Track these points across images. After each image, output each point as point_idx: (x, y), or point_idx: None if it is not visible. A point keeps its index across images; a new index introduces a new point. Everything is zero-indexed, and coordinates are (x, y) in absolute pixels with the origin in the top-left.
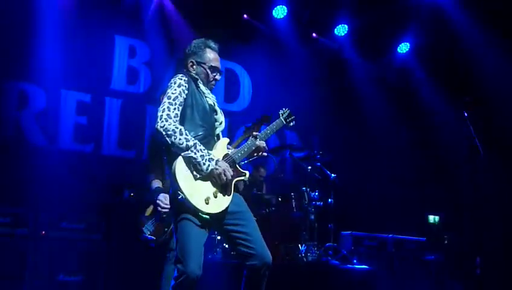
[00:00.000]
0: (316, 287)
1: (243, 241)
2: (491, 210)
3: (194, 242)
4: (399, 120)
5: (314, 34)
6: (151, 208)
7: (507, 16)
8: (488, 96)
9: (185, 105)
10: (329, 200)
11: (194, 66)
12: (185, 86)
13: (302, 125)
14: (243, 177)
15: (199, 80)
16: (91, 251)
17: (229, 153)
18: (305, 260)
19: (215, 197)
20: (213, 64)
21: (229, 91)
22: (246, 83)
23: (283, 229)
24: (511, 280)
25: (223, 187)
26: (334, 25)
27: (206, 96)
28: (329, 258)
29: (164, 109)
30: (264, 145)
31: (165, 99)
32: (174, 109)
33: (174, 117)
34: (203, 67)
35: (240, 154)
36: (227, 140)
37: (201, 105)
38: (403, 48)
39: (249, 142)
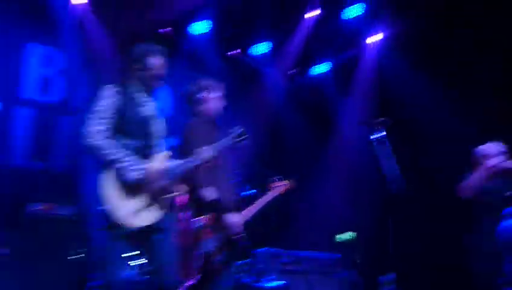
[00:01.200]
0: None
1: (155, 258)
2: (405, 229)
3: (119, 253)
4: (314, 136)
5: (233, 51)
6: None
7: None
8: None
9: (118, 117)
10: None
11: (141, 68)
12: (114, 98)
13: None
14: (174, 194)
15: (136, 88)
16: None
17: (168, 166)
18: None
19: (143, 211)
20: (157, 64)
21: None
22: (162, 95)
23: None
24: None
25: (152, 201)
26: (254, 42)
27: (143, 106)
28: (243, 275)
29: (89, 124)
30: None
31: (93, 114)
32: (100, 123)
33: (103, 131)
34: (150, 67)
35: (177, 171)
36: (167, 153)
37: (136, 115)
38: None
39: (191, 158)
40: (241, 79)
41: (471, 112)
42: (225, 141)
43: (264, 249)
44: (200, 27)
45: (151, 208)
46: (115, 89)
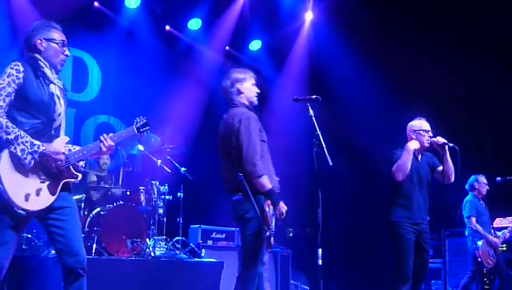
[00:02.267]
0: (165, 282)
1: (57, 237)
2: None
3: (5, 236)
4: None
5: (167, 27)
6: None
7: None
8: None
9: (18, 95)
10: (179, 194)
11: (44, 44)
12: (17, 75)
13: (154, 117)
14: (73, 180)
15: (43, 64)
16: None
17: (66, 152)
18: (152, 254)
19: (37, 195)
20: (62, 39)
21: (76, 80)
22: (94, 72)
23: (130, 224)
24: (346, 268)
25: (48, 185)
26: (187, 19)
27: (48, 84)
28: (177, 252)
29: None
30: (112, 147)
31: None
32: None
33: (1, 108)
34: (53, 43)
35: (76, 156)
36: (66, 139)
37: (38, 95)
38: (255, 45)
39: (91, 145)
40: (177, 55)
41: (399, 91)
42: (128, 131)
43: (197, 226)
44: (133, 2)
45: (45, 192)
46: (18, 67)
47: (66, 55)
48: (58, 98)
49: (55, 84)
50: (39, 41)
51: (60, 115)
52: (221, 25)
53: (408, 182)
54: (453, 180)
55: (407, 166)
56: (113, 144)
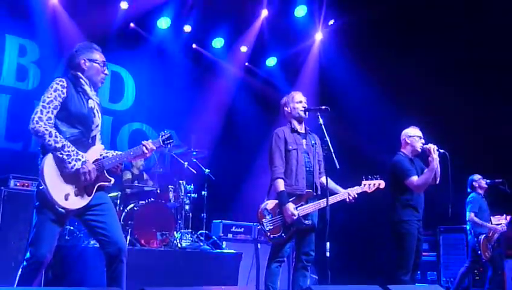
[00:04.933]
0: (190, 270)
1: (99, 230)
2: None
3: (47, 230)
4: (265, 123)
5: (194, 45)
6: (273, 203)
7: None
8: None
9: (62, 108)
10: (203, 192)
11: (87, 64)
12: (62, 90)
13: (181, 125)
14: (107, 183)
15: (83, 82)
16: None
17: (101, 158)
18: (179, 245)
19: (76, 195)
20: (102, 60)
21: (114, 92)
22: (130, 85)
23: (160, 218)
24: (350, 260)
25: (85, 188)
26: (212, 38)
27: (87, 99)
28: (201, 243)
29: (37, 111)
30: (153, 150)
31: (40, 103)
32: (48, 112)
33: (46, 120)
34: (95, 63)
35: (110, 161)
36: (102, 147)
37: (78, 108)
38: (271, 61)
39: (131, 151)
40: (202, 70)
41: (397, 103)
42: (155, 142)
43: (219, 221)
44: (164, 23)
45: (83, 193)
46: (63, 82)
47: (106, 74)
48: (97, 112)
49: (93, 100)
50: (83, 61)
51: (97, 126)
52: (241, 43)
53: None
54: (438, 181)
55: (429, 183)
56: (155, 147)
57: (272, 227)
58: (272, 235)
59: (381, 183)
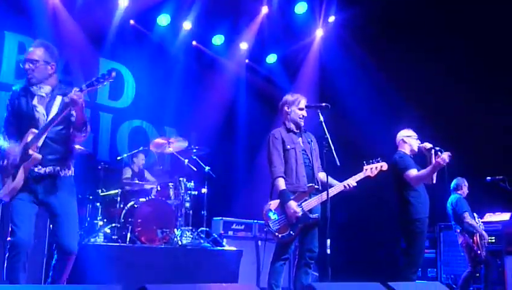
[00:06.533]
0: (190, 267)
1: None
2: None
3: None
4: (265, 120)
5: (194, 42)
6: (277, 203)
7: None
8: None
9: (13, 111)
10: (204, 189)
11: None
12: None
13: (181, 122)
14: (30, 161)
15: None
16: None
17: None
18: (180, 243)
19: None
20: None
21: (113, 89)
22: (129, 82)
23: (160, 216)
24: (351, 257)
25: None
26: (212, 35)
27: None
28: (202, 241)
29: None
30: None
31: None
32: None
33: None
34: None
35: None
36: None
37: (26, 112)
38: (271, 58)
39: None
40: (202, 67)
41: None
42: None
43: (219, 218)
44: (164, 20)
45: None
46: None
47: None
48: (42, 113)
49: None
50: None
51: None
52: (241, 40)
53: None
54: (434, 181)
55: (426, 179)
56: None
57: (279, 227)
58: (280, 235)
59: (384, 165)
